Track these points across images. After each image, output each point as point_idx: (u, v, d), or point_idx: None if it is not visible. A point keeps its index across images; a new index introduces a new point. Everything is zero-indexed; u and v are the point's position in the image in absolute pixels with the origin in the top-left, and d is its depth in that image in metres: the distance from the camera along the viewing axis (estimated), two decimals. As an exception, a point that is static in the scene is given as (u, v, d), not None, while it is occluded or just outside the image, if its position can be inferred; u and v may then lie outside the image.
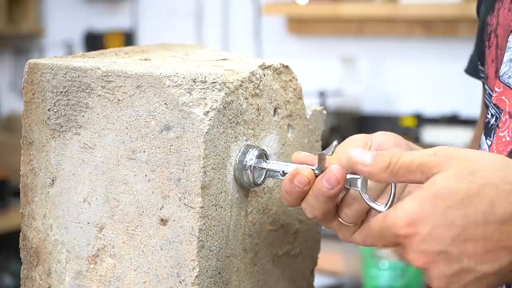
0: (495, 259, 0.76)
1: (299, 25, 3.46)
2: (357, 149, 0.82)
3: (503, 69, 0.94)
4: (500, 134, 0.93)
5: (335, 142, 0.88)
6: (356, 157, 0.81)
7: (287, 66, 0.96)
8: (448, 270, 0.77)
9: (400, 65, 3.29)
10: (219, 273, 0.88)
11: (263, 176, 0.90)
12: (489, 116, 0.96)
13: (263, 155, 0.90)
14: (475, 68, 1.10)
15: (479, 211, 0.76)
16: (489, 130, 0.95)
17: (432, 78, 3.22)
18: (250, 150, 0.89)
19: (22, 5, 4.07)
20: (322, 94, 3.20)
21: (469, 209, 0.76)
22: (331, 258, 2.63)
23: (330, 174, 0.84)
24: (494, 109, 0.95)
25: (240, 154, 0.88)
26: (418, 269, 0.79)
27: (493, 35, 1.00)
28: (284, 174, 0.88)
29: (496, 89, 0.95)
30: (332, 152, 0.87)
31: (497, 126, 0.94)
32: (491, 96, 0.97)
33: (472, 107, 3.10)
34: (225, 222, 0.88)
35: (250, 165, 0.89)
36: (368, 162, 0.81)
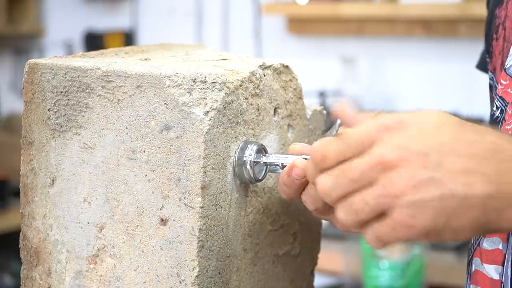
0: (468, 182, 0.74)
1: (299, 25, 3.46)
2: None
3: (509, 61, 0.94)
4: (507, 127, 0.92)
5: (338, 121, 0.86)
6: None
7: (287, 66, 0.96)
8: (419, 174, 0.75)
9: (400, 65, 3.29)
10: (219, 273, 0.88)
11: (263, 172, 0.90)
12: (494, 108, 0.95)
13: (262, 150, 0.89)
14: (486, 64, 1.10)
15: (471, 132, 0.76)
16: (495, 123, 0.95)
17: (432, 78, 3.22)
18: (249, 145, 0.89)
19: (22, 5, 4.07)
20: (322, 94, 3.20)
21: (462, 128, 0.76)
22: (331, 258, 2.63)
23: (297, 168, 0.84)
24: (499, 101, 0.95)
25: (239, 150, 0.88)
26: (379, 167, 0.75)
27: (501, 27, 1.00)
28: (283, 167, 0.87)
29: (502, 81, 0.94)
30: (336, 131, 0.86)
31: (503, 119, 0.93)
32: (496, 88, 0.96)
33: (472, 107, 3.10)
34: (225, 222, 0.88)
35: (250, 161, 0.88)
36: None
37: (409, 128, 0.76)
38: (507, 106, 0.93)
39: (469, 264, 0.96)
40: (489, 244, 0.92)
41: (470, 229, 0.76)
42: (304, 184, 0.85)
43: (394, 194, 0.75)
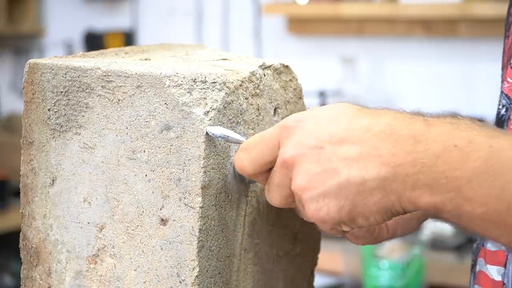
0: (364, 167, 0.75)
1: (299, 25, 3.46)
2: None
3: None
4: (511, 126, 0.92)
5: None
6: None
7: (287, 66, 0.96)
8: (315, 167, 0.76)
9: (400, 65, 3.29)
10: (219, 273, 0.88)
11: None
12: (500, 106, 0.95)
13: None
14: None
15: (366, 117, 0.77)
16: (500, 122, 0.94)
17: (432, 78, 3.22)
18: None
19: (22, 5, 4.07)
20: (322, 94, 3.20)
21: (358, 114, 0.78)
22: (331, 258, 2.63)
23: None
24: (505, 99, 0.94)
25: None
26: (284, 165, 0.79)
27: None
28: None
29: (508, 79, 0.94)
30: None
31: (508, 117, 0.93)
32: (502, 86, 0.96)
33: (472, 107, 3.10)
34: (225, 222, 0.88)
35: None
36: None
37: (305, 123, 0.79)
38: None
39: (474, 264, 0.96)
40: (492, 244, 0.92)
41: (378, 212, 0.77)
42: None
43: (298, 191, 0.78)
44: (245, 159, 0.83)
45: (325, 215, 0.77)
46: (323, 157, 0.76)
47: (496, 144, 0.73)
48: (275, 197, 0.83)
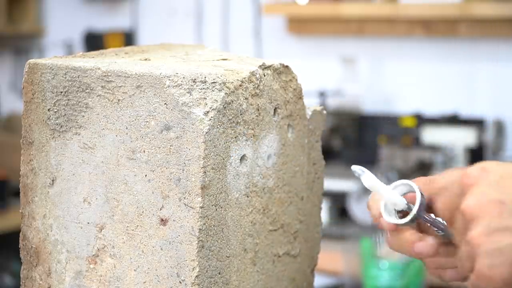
0: None
1: (299, 25, 3.46)
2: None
3: None
4: None
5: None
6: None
7: (287, 66, 0.96)
8: (495, 223, 0.75)
9: (400, 65, 3.29)
10: (219, 273, 0.88)
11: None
12: None
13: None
14: None
15: None
16: None
17: (432, 78, 3.22)
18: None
19: (22, 5, 4.07)
20: (322, 94, 3.20)
21: None
22: (331, 258, 2.63)
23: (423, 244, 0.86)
24: None
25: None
26: (465, 219, 0.77)
27: None
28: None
29: None
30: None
31: None
32: None
33: (472, 107, 3.10)
34: (225, 222, 0.88)
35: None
36: None
37: (491, 174, 0.77)
38: None
39: None
40: None
41: None
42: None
43: (474, 245, 0.76)
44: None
45: (496, 273, 0.76)
46: (505, 213, 0.75)
47: None
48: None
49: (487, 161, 0.79)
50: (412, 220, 0.84)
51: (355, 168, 0.83)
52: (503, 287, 0.77)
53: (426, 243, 0.85)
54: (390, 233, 0.90)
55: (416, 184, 0.83)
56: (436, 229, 0.85)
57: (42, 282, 0.94)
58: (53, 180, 0.93)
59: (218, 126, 0.85)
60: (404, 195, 0.85)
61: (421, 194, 0.83)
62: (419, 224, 0.85)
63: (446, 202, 0.81)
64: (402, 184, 0.85)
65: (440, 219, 0.85)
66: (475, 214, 0.76)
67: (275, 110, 0.94)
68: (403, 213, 0.85)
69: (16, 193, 3.19)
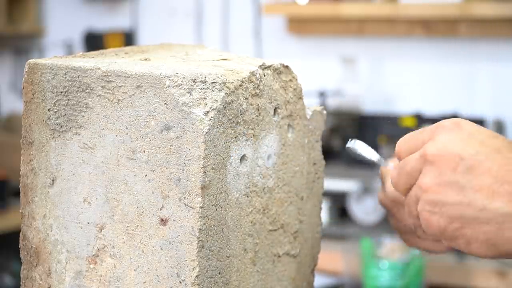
0: (490, 196, 0.76)
1: (299, 25, 3.46)
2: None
3: None
4: None
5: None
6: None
7: (287, 66, 0.96)
8: (448, 176, 0.77)
9: (400, 65, 3.29)
10: (219, 273, 0.88)
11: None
12: None
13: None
14: None
15: (507, 153, 0.77)
16: None
17: (432, 78, 3.22)
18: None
19: (22, 5, 4.07)
20: (322, 94, 3.20)
21: (510, 147, 0.78)
22: (331, 258, 2.63)
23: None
24: None
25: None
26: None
27: None
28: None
29: None
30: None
31: None
32: None
33: (472, 107, 3.10)
34: (225, 222, 0.88)
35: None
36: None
37: (462, 130, 0.79)
38: None
39: None
40: None
41: (483, 244, 0.77)
42: None
43: (422, 188, 0.79)
44: (402, 144, 0.86)
45: (435, 222, 0.79)
46: (459, 169, 0.77)
47: None
48: (399, 183, 0.84)
49: (465, 120, 0.81)
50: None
51: (349, 145, 0.95)
52: (440, 235, 0.79)
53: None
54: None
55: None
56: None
57: (42, 282, 0.94)
58: (53, 180, 0.93)
59: (218, 126, 0.85)
60: None
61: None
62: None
63: (412, 147, 0.84)
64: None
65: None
66: (433, 160, 0.79)
67: (275, 110, 0.94)
68: None
69: (16, 193, 3.19)
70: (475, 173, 0.76)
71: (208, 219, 0.86)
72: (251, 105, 0.90)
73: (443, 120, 0.82)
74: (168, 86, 0.85)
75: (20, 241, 0.96)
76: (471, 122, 0.81)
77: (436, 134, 0.81)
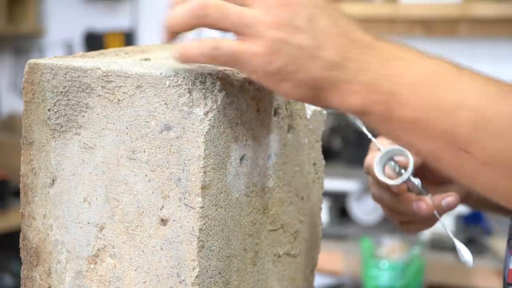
0: (325, 40, 0.78)
1: (299, 25, 3.46)
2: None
3: None
4: None
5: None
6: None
7: (287, 66, 0.96)
8: (294, 17, 0.79)
9: (400, 65, 3.29)
10: (219, 273, 0.88)
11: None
12: None
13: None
14: None
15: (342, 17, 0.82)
16: None
17: (432, 78, 3.22)
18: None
19: (22, 5, 4.07)
20: (322, 94, 3.20)
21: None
22: (331, 258, 2.63)
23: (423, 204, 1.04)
24: None
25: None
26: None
27: None
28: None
29: None
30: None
31: None
32: None
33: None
34: (225, 222, 0.88)
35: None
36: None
37: None
38: None
39: (510, 238, 1.00)
40: None
41: (307, 83, 0.79)
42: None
43: (265, 22, 0.79)
44: None
45: (274, 60, 0.79)
46: (303, 15, 0.78)
47: (442, 64, 0.80)
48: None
49: None
50: (402, 182, 1.00)
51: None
52: (271, 75, 0.80)
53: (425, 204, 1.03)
54: (374, 187, 1.07)
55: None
56: (416, 191, 1.03)
57: (42, 282, 0.94)
58: (53, 180, 0.93)
59: (218, 126, 0.85)
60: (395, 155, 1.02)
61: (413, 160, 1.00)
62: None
63: None
64: (397, 148, 1.01)
65: (419, 181, 1.02)
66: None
67: (275, 110, 0.94)
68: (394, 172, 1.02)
69: (16, 193, 3.19)
70: (317, 20, 0.79)
71: (208, 219, 0.86)
72: (251, 105, 0.90)
73: None
74: (168, 86, 0.85)
75: (20, 241, 0.96)
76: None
77: None
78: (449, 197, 1.03)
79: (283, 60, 0.78)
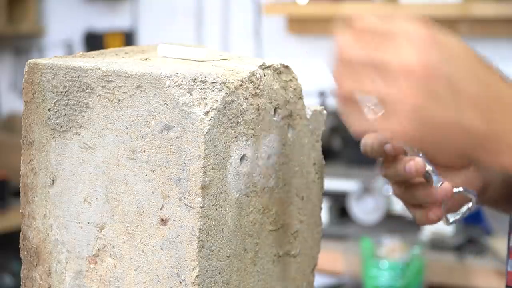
0: (467, 109, 0.76)
1: (299, 25, 3.46)
2: None
3: None
4: None
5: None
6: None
7: (287, 66, 0.96)
8: (432, 85, 0.76)
9: (400, 65, 3.29)
10: (219, 273, 0.88)
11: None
12: None
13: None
14: None
15: (486, 68, 0.78)
16: None
17: (432, 78, 3.22)
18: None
19: (22, 5, 4.07)
20: (322, 94, 3.20)
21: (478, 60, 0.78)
22: (331, 258, 2.63)
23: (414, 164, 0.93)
24: None
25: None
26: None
27: None
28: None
29: None
30: None
31: None
32: None
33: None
34: (225, 222, 0.88)
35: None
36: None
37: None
38: None
39: (509, 239, 1.00)
40: None
41: (456, 155, 0.79)
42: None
43: (406, 103, 0.76)
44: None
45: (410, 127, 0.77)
46: (443, 82, 0.76)
47: None
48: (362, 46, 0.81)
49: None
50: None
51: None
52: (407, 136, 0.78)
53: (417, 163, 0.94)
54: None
55: None
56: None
57: (42, 282, 0.94)
58: (53, 180, 0.93)
59: (218, 126, 0.85)
60: None
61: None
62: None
63: None
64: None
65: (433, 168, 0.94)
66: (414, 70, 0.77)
67: (275, 110, 0.94)
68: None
69: (16, 193, 3.19)
70: (460, 87, 0.76)
71: (208, 219, 0.86)
72: (251, 105, 0.90)
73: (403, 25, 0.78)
74: (168, 86, 0.85)
75: (20, 241, 0.96)
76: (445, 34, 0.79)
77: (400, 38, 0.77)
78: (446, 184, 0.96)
79: (429, 137, 0.77)
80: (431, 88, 0.75)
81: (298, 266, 1.02)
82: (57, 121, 0.92)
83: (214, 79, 0.85)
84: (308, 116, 1.00)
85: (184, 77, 0.85)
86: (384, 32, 0.78)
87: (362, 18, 0.80)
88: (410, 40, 0.76)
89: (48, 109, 0.92)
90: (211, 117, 0.84)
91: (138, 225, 0.88)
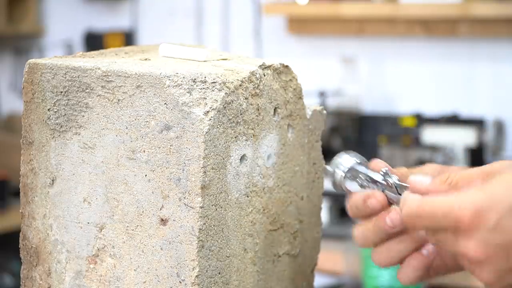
0: None
1: (299, 25, 3.46)
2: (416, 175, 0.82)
3: None
4: None
5: (385, 169, 0.89)
6: (415, 179, 0.82)
7: (287, 66, 0.96)
8: (505, 264, 0.76)
9: (400, 65, 3.29)
10: (219, 273, 0.88)
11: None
12: None
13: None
14: None
15: None
16: None
17: (432, 78, 3.22)
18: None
19: (22, 5, 4.07)
20: (322, 94, 3.20)
21: None
22: (331, 258, 2.63)
23: (395, 214, 0.84)
24: None
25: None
26: (468, 260, 0.77)
27: None
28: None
29: None
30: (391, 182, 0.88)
31: None
32: None
33: (472, 107, 3.10)
34: (225, 222, 0.88)
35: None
36: (426, 181, 0.81)
37: (488, 219, 0.76)
38: None
39: None
40: None
41: None
42: (377, 213, 0.88)
43: (486, 284, 0.78)
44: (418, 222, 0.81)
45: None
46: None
47: None
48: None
49: (478, 198, 0.77)
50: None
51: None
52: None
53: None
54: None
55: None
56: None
57: (42, 282, 0.94)
58: (53, 180, 0.93)
59: (218, 126, 0.85)
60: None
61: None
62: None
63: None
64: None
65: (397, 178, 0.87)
66: (481, 259, 0.77)
67: (275, 110, 0.94)
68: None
69: (16, 193, 3.19)
70: None
71: (208, 219, 0.86)
72: (251, 105, 0.90)
73: (461, 211, 0.77)
74: (168, 86, 0.85)
75: (20, 241, 0.96)
76: (486, 197, 0.76)
77: (463, 230, 0.77)
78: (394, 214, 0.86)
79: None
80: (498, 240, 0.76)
81: (298, 266, 1.02)
82: (57, 121, 0.92)
83: (214, 79, 0.85)
84: (308, 116, 1.00)
85: (184, 77, 0.85)
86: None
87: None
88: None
89: (48, 109, 0.92)
90: (211, 117, 0.84)
91: (138, 225, 0.88)
